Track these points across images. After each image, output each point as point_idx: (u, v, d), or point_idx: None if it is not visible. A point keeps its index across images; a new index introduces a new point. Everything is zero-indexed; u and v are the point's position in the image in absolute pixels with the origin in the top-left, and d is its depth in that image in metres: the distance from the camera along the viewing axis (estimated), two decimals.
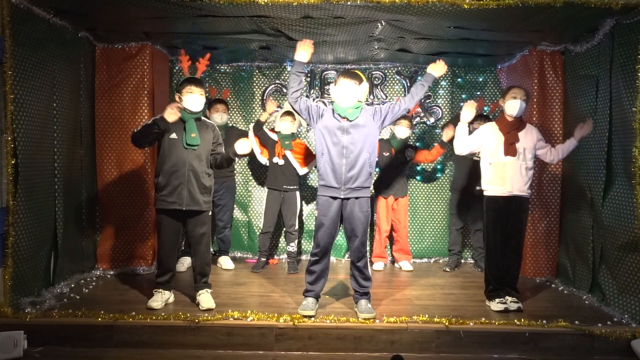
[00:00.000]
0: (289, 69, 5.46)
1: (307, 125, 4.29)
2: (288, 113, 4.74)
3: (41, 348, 3.13)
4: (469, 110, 3.77)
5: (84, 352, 3.13)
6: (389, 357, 3.03)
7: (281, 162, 4.73)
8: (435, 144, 4.99)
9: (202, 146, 3.52)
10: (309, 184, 5.50)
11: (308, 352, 3.21)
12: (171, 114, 3.39)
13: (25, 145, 3.49)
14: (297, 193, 4.86)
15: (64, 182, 4.03)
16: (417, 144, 5.40)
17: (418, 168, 5.50)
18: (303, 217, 5.47)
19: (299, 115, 3.53)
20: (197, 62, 4.20)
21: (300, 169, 4.81)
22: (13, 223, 3.37)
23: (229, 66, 5.47)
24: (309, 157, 4.85)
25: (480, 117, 4.90)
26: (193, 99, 3.50)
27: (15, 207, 3.39)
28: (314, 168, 4.92)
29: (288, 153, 4.75)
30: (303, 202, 5.36)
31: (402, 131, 4.90)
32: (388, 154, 4.94)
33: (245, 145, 3.50)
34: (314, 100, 5.47)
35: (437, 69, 3.54)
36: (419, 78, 3.49)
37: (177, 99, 3.56)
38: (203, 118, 3.69)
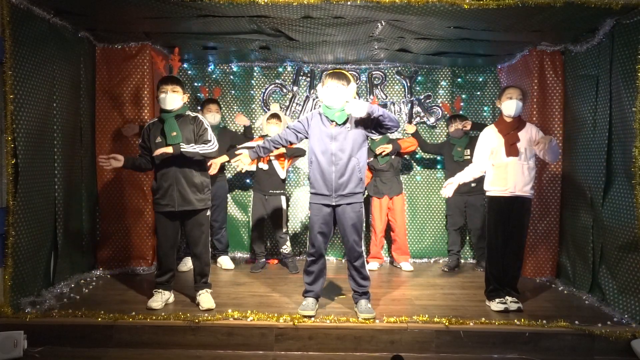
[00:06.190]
0: (289, 69, 5.47)
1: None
2: (273, 115, 4.73)
3: (41, 348, 3.13)
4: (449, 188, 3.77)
5: (84, 352, 3.14)
6: (389, 357, 3.03)
7: (265, 167, 4.73)
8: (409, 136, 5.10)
9: (186, 143, 3.45)
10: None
11: (308, 352, 3.21)
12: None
13: (25, 145, 3.49)
14: (283, 197, 4.80)
15: (64, 182, 4.03)
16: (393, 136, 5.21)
17: (418, 167, 5.51)
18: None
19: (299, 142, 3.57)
20: (169, 59, 4.14)
21: (281, 172, 4.73)
22: (13, 223, 3.37)
23: (229, 66, 5.47)
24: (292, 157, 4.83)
25: (457, 118, 4.94)
26: (164, 98, 3.48)
27: (15, 207, 3.39)
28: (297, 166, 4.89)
29: (272, 158, 4.70)
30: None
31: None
32: (372, 157, 4.86)
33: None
34: (313, 101, 5.48)
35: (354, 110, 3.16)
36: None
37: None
38: (188, 112, 3.61)
